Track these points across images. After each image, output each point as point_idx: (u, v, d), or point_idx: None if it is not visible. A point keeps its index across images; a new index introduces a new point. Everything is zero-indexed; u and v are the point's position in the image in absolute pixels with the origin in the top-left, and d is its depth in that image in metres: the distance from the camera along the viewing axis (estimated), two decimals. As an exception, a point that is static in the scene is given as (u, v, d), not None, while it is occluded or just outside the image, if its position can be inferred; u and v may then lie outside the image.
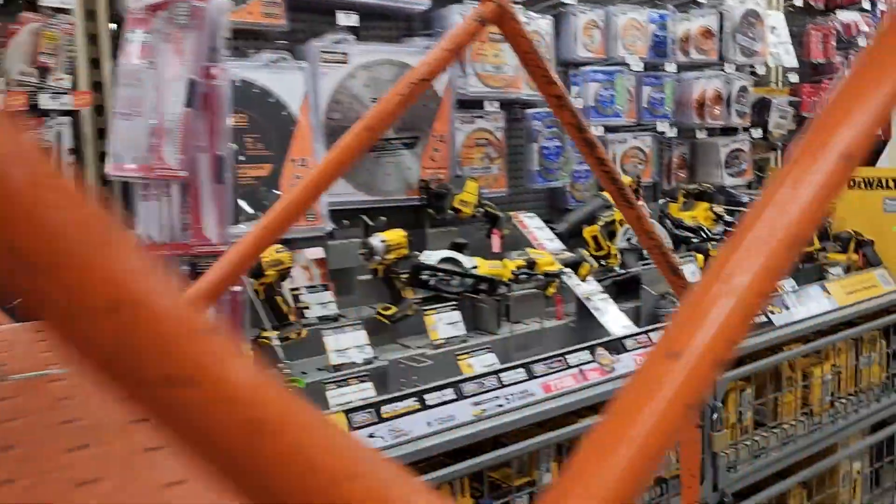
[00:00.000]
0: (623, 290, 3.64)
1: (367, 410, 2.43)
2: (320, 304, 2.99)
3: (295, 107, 2.87)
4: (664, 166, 4.58)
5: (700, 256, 4.05)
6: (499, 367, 2.88)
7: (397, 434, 2.44)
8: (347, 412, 2.40)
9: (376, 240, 2.83)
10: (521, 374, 2.81)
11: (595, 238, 3.70)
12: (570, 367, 2.92)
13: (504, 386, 2.74)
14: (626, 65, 4.11)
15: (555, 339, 3.31)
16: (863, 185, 4.59)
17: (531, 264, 3.08)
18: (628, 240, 3.68)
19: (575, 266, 3.27)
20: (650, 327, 3.26)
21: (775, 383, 3.76)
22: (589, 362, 2.97)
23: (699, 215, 4.37)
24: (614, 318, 3.31)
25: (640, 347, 3.12)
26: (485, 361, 2.91)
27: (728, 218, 4.36)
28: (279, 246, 2.67)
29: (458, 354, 2.87)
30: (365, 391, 2.58)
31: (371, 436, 2.40)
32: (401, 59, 3.22)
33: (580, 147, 1.81)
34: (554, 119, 3.77)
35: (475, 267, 3.09)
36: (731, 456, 3.30)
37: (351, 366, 2.73)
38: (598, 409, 2.92)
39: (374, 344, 2.94)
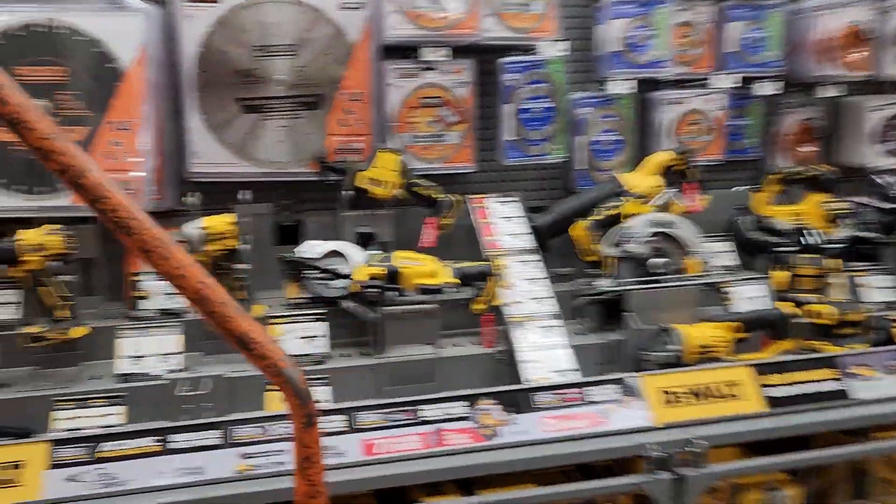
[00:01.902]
0: (611, 313, 2.60)
1: (79, 445, 1.95)
2: (166, 294, 2.54)
3: (126, 58, 2.40)
4: (771, 138, 3.24)
5: (782, 275, 2.79)
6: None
7: (109, 482, 1.91)
8: (56, 442, 1.94)
9: (192, 227, 2.28)
10: (339, 422, 2.08)
11: (587, 237, 2.69)
12: (421, 421, 2.10)
13: (304, 436, 2.05)
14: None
15: (461, 374, 2.46)
16: None
17: (392, 275, 2.26)
18: (622, 242, 2.60)
19: (473, 280, 2.37)
20: (601, 378, 2.25)
21: (855, 487, 2.46)
22: (460, 419, 2.11)
23: (807, 212, 3.01)
24: (549, 358, 2.35)
25: (557, 407, 2.15)
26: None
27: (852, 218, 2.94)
28: (52, 226, 2.26)
29: (269, 384, 2.22)
30: (107, 417, 2.09)
31: (71, 479, 1.92)
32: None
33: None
34: (540, 72, 2.79)
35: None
36: None
37: (143, 377, 2.25)
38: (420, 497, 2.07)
39: (207, 351, 2.43)
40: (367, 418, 2.12)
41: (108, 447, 2.00)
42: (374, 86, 2.68)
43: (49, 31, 2.38)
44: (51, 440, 1.96)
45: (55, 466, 1.94)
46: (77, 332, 2.26)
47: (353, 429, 2.10)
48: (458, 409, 2.16)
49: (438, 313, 2.33)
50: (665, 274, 2.62)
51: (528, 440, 2.12)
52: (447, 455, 2.09)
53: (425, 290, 2.26)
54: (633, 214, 2.71)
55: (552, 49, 2.72)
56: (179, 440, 2.02)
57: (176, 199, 2.62)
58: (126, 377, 2.26)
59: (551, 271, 3.06)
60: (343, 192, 2.59)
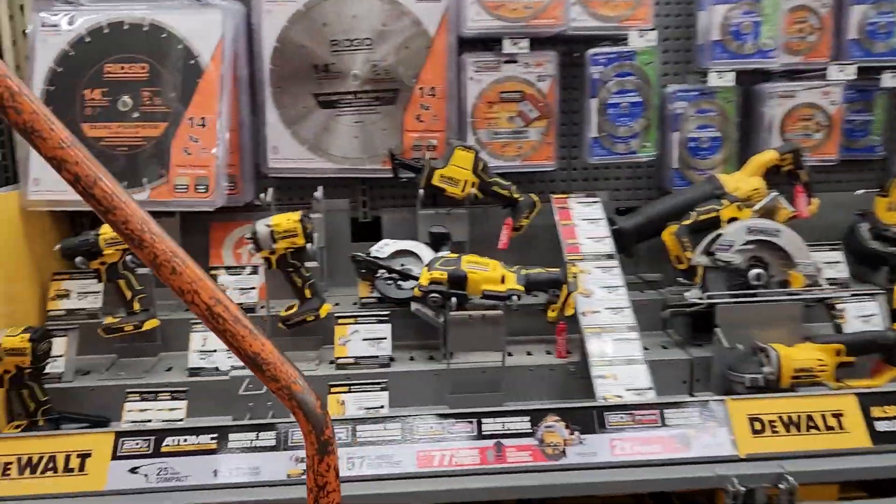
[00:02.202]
0: (702, 327, 2.40)
1: (142, 438, 1.98)
2: (241, 289, 2.57)
3: (206, 55, 2.42)
4: (900, 134, 2.89)
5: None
6: (367, 415, 2.12)
7: (169, 476, 1.93)
8: (120, 434, 1.98)
9: (261, 225, 2.27)
10: (394, 430, 2.02)
11: (678, 243, 2.49)
12: (480, 435, 2.00)
13: (360, 443, 2.00)
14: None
15: (530, 385, 2.33)
16: None
17: (457, 280, 2.15)
18: (715, 251, 2.38)
19: (542, 288, 2.22)
20: (681, 399, 2.07)
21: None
22: (522, 435, 2.00)
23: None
24: (624, 374, 2.18)
25: (631, 429, 2.00)
26: (371, 401, 2.17)
27: None
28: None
29: (333, 386, 2.18)
30: (173, 412, 2.12)
31: (133, 471, 1.95)
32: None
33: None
34: (629, 63, 2.60)
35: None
36: None
37: (212, 372, 2.27)
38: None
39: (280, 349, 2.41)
40: (423, 427, 2.05)
41: (169, 442, 2.05)
42: (452, 80, 2.58)
43: (137, 28, 2.45)
44: (116, 432, 2.03)
45: (119, 458, 2.00)
46: (150, 324, 2.32)
47: (409, 438, 2.04)
48: (521, 424, 2.05)
49: (503, 320, 2.21)
50: (763, 287, 2.38)
51: (596, 463, 1.98)
52: (506, 473, 1.98)
53: (489, 297, 2.15)
54: (732, 219, 2.49)
55: (643, 39, 2.52)
56: (237, 440, 2.03)
57: (254, 194, 2.65)
58: (195, 371, 2.30)
59: (639, 277, 2.90)
60: (420, 191, 2.52)
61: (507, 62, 2.61)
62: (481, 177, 2.54)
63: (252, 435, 2.03)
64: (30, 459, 1.98)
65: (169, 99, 2.43)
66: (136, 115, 2.43)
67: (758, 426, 2.04)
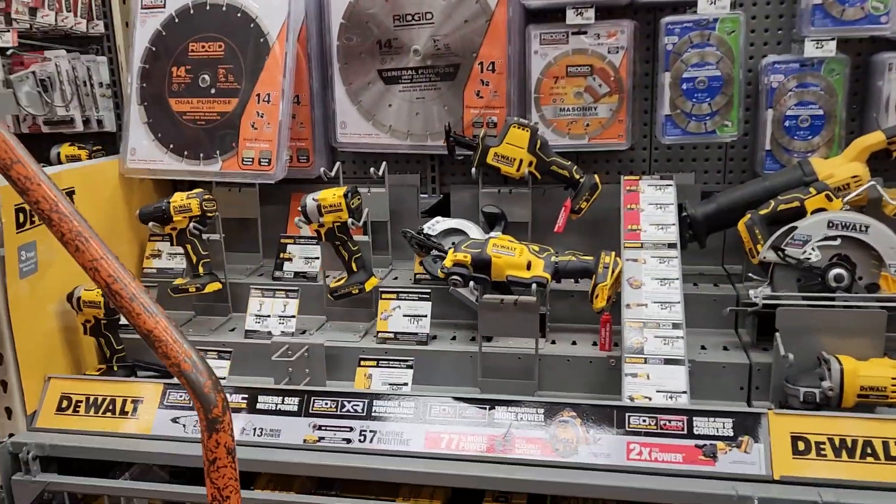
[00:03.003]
0: (770, 330, 2.17)
1: (183, 392, 2.15)
2: (304, 258, 2.69)
3: (274, 33, 2.53)
4: None
5: None
6: (389, 391, 2.14)
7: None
8: (167, 387, 2.17)
9: (310, 199, 2.35)
10: (408, 409, 2.03)
11: (752, 234, 2.26)
12: (491, 423, 1.96)
13: (374, 417, 2.04)
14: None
15: (566, 376, 2.24)
16: None
17: (481, 263, 2.09)
18: (785, 247, 2.12)
19: (573, 276, 2.10)
20: (712, 408, 1.90)
21: None
22: (536, 426, 1.93)
23: None
24: (658, 374, 2.03)
25: (653, 434, 1.86)
26: (395, 378, 2.19)
27: None
28: (199, 190, 2.49)
29: (364, 359, 2.23)
30: (218, 370, 2.28)
31: (175, 421, 2.13)
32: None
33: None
34: (710, 33, 2.35)
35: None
36: None
37: (264, 335, 2.42)
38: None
39: (332, 318, 2.53)
40: (437, 409, 2.05)
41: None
42: (514, 54, 2.49)
43: (217, 8, 2.61)
44: (165, 384, 2.24)
45: (165, 407, 2.21)
46: (211, 287, 2.51)
47: (421, 418, 2.05)
48: (535, 416, 1.99)
49: (536, 307, 2.13)
50: (846, 289, 2.09)
51: (608, 465, 1.88)
52: (511, 464, 1.94)
53: (513, 283, 2.08)
54: (819, 211, 2.20)
55: (726, 5, 2.27)
56: (265, 401, 2.16)
57: (328, 167, 2.74)
58: (251, 333, 2.47)
59: (724, 269, 2.67)
60: (472, 170, 2.48)
61: (575, 34, 2.48)
62: (539, 155, 2.45)
63: (278, 399, 2.16)
64: (95, 400, 2.25)
65: (240, 76, 2.58)
66: (213, 91, 2.61)
67: (801, 446, 1.82)
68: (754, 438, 1.84)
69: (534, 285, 2.05)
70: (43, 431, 2.21)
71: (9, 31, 2.58)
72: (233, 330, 2.59)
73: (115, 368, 2.41)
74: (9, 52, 2.75)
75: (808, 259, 2.11)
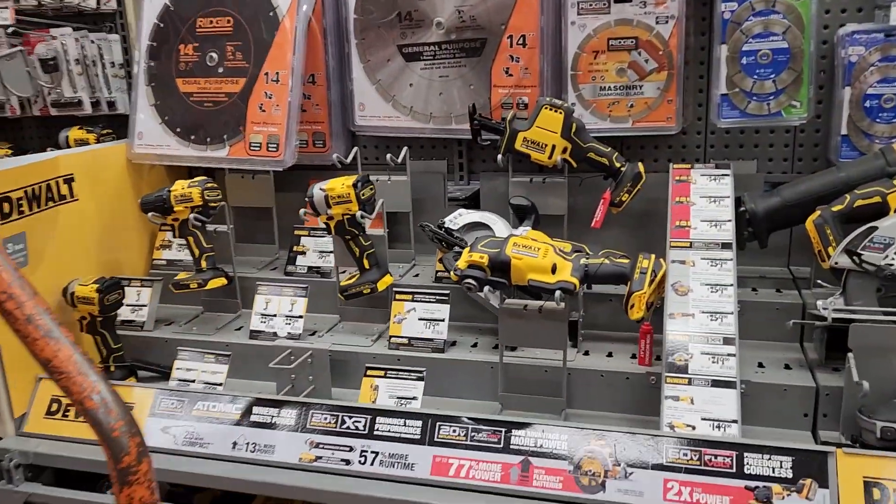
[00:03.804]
0: (836, 346, 1.85)
1: (178, 399, 1.98)
2: (319, 251, 2.48)
3: (284, 6, 2.30)
4: None
5: None
6: (396, 406, 1.91)
7: (194, 441, 1.91)
8: (158, 393, 2.00)
9: (317, 188, 2.14)
10: (414, 428, 1.80)
11: (822, 234, 1.94)
12: (508, 448, 1.71)
13: (376, 436, 1.81)
14: None
15: (600, 394, 1.97)
16: None
17: (499, 265, 1.82)
18: (862, 251, 1.79)
19: (604, 281, 1.81)
20: (768, 443, 1.61)
21: None
22: (558, 456, 1.68)
23: None
24: (705, 398, 1.74)
25: (695, 471, 1.58)
26: (404, 391, 1.96)
27: None
28: (202, 178, 2.30)
29: (370, 368, 2.00)
30: (214, 375, 2.09)
31: (165, 431, 1.95)
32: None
33: None
34: (775, 4, 2.02)
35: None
36: None
37: (270, 336, 2.22)
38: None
39: (346, 318, 2.32)
40: (446, 429, 1.82)
41: (200, 406, 2.04)
42: (547, 26, 2.21)
43: (223, -19, 2.42)
44: (157, 390, 2.07)
45: (155, 415, 2.04)
46: (215, 282, 2.33)
47: (429, 440, 1.82)
48: (557, 443, 1.73)
49: (564, 315, 1.86)
50: (936, 302, 1.76)
51: (640, 504, 1.62)
52: (528, 498, 1.69)
53: (535, 288, 1.82)
54: (905, 207, 1.86)
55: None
56: (259, 414, 1.97)
57: (345, 153, 2.53)
58: (256, 333, 2.28)
59: (790, 271, 2.34)
60: (499, 157, 2.22)
61: (618, 1, 2.17)
62: (574, 141, 2.17)
63: (274, 411, 1.96)
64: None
65: (248, 53, 2.37)
66: (220, 70, 2.42)
67: (876, 494, 1.52)
68: (819, 482, 1.55)
69: (558, 292, 1.78)
70: (31, 437, 2.08)
71: (7, 7, 2.45)
72: (239, 329, 2.41)
73: (112, 369, 2.27)
74: (9, 30, 2.62)
75: (891, 266, 1.77)
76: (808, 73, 2.08)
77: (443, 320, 2.12)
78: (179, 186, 2.29)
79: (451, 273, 1.92)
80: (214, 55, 2.44)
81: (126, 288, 2.31)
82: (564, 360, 1.96)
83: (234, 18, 2.40)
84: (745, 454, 1.64)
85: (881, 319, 1.77)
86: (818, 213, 1.96)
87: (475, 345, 2.19)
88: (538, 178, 2.36)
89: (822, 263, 1.99)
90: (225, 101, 2.42)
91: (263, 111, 2.35)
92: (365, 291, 2.22)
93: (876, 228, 1.81)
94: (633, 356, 2.06)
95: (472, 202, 2.58)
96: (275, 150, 2.34)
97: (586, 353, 2.10)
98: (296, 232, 2.56)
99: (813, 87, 2.10)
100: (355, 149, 2.45)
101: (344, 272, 2.35)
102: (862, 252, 1.81)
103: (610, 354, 2.09)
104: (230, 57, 2.40)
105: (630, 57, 2.21)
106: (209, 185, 2.29)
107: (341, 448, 1.87)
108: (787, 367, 1.98)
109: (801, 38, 2.04)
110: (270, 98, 2.34)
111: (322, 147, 2.56)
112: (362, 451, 1.85)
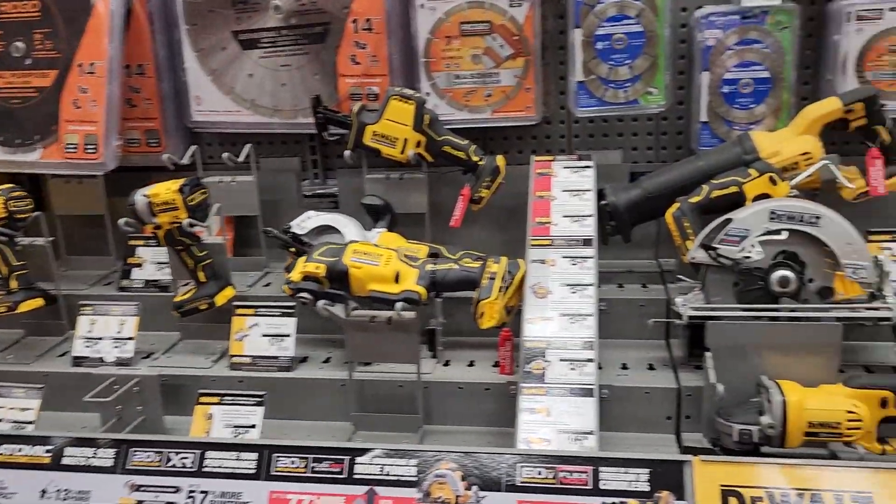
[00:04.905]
0: (699, 343, 1.79)
1: (-28, 444, 1.74)
2: (157, 263, 2.26)
3: (97, -13, 2.07)
4: None
5: None
6: (224, 437, 1.73)
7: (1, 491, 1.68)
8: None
9: (139, 195, 1.92)
10: (250, 461, 1.63)
11: (680, 227, 1.88)
12: (352, 479, 1.57)
13: (205, 473, 1.63)
14: None
15: (461, 408, 1.85)
16: None
17: (337, 275, 1.67)
18: (717, 244, 1.74)
19: (452, 289, 1.71)
20: (622, 455, 1.52)
21: None
22: (406, 483, 1.54)
23: None
24: (561, 410, 1.65)
25: (548, 490, 1.48)
26: (241, 418, 1.78)
27: None
28: (7, 186, 2.04)
29: (203, 395, 1.81)
30: (25, 412, 1.85)
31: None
32: None
33: None
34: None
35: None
36: None
37: (95, 363, 1.99)
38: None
39: (187, 336, 2.11)
40: (284, 461, 1.66)
41: (3, 450, 1.80)
42: (393, 9, 2.06)
43: (26, -41, 2.14)
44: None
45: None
46: (29, 304, 2.07)
47: (266, 475, 1.66)
48: (405, 469, 1.60)
49: (415, 326, 1.73)
50: (792, 295, 1.72)
51: (487, 527, 1.50)
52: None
53: (377, 300, 1.68)
54: (762, 197, 1.82)
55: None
56: (73, 455, 1.74)
57: (183, 152, 2.30)
58: (79, 361, 2.04)
59: (658, 264, 2.29)
60: (344, 153, 2.06)
61: (470, -18, 2.05)
62: (428, 134, 2.04)
63: (89, 451, 1.74)
64: None
65: (59, 42, 2.11)
66: (28, 61, 2.15)
67: (733, 503, 1.46)
68: (676, 495, 1.48)
69: (399, 304, 1.64)
70: None
71: None
72: (63, 355, 2.15)
73: None
74: None
75: (747, 259, 1.73)
76: (665, 59, 2.02)
77: (289, 335, 1.95)
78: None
79: (284, 286, 1.75)
80: (20, 45, 2.15)
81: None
82: (419, 375, 1.83)
83: (42, 2, 2.13)
84: (601, 469, 1.54)
85: (738, 316, 1.73)
86: (677, 205, 1.90)
87: (328, 360, 2.03)
88: (395, 175, 2.22)
89: (683, 258, 1.94)
90: (35, 98, 2.14)
91: (79, 108, 2.09)
92: (201, 308, 2.01)
93: (731, 220, 1.75)
94: (496, 364, 1.96)
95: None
96: (93, 151, 2.09)
97: (447, 364, 1.97)
98: (130, 242, 2.31)
99: (671, 73, 2.04)
100: (192, 147, 2.23)
101: (187, 284, 2.14)
102: (717, 246, 1.75)
103: (472, 363, 1.97)
104: (38, 47, 2.13)
105: (485, 42, 2.09)
106: (15, 193, 2.02)
107: (166, 490, 1.67)
108: (650, 367, 1.91)
109: (655, 22, 1.97)
110: (86, 92, 2.09)
111: (157, 146, 2.32)
112: (190, 492, 1.65)
